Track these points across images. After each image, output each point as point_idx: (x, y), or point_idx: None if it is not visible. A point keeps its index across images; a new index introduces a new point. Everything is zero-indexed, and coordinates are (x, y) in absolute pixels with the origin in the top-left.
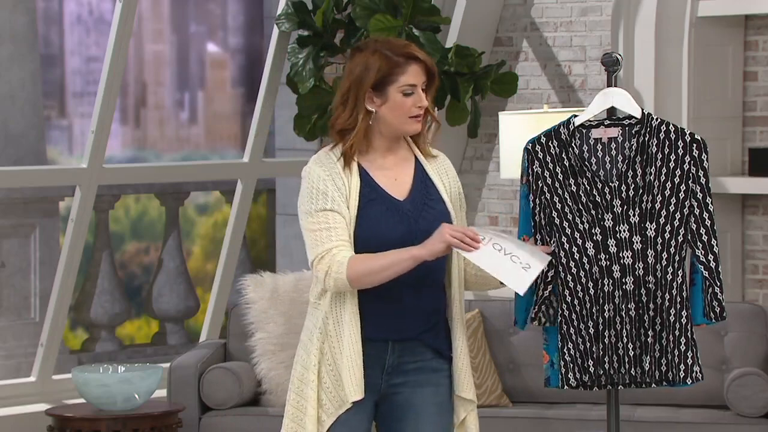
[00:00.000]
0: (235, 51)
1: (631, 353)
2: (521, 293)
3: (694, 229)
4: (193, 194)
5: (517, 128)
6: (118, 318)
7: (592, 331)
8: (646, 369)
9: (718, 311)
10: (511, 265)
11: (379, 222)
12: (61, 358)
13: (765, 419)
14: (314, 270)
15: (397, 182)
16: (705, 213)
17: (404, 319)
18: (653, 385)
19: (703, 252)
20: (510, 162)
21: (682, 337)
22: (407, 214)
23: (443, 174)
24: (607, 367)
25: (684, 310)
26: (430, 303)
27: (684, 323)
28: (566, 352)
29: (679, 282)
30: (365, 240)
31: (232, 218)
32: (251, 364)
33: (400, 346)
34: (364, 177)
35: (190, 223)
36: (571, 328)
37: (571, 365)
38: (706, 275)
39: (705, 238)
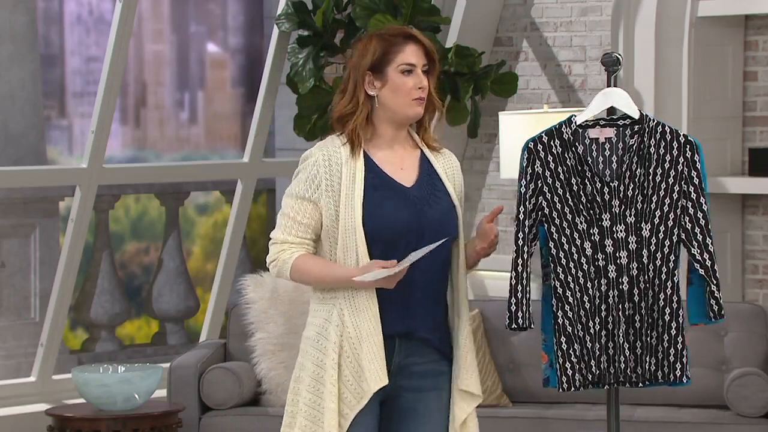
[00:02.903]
0: (235, 51)
1: (628, 353)
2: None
3: (690, 228)
4: (193, 194)
5: (517, 128)
6: (118, 318)
7: (591, 331)
8: (646, 369)
9: (716, 309)
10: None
11: (386, 207)
12: (61, 358)
13: (765, 419)
14: (269, 247)
15: (403, 171)
16: (699, 212)
17: (413, 318)
18: (641, 384)
19: (698, 251)
20: (510, 162)
21: (679, 336)
22: (414, 200)
23: (449, 170)
24: (603, 367)
25: (681, 310)
26: (437, 302)
27: (680, 322)
28: (572, 353)
29: (676, 281)
30: (372, 225)
31: (232, 218)
32: (251, 364)
33: (407, 345)
34: (369, 163)
35: (190, 223)
36: (575, 329)
37: (578, 366)
38: (702, 273)
39: (700, 237)
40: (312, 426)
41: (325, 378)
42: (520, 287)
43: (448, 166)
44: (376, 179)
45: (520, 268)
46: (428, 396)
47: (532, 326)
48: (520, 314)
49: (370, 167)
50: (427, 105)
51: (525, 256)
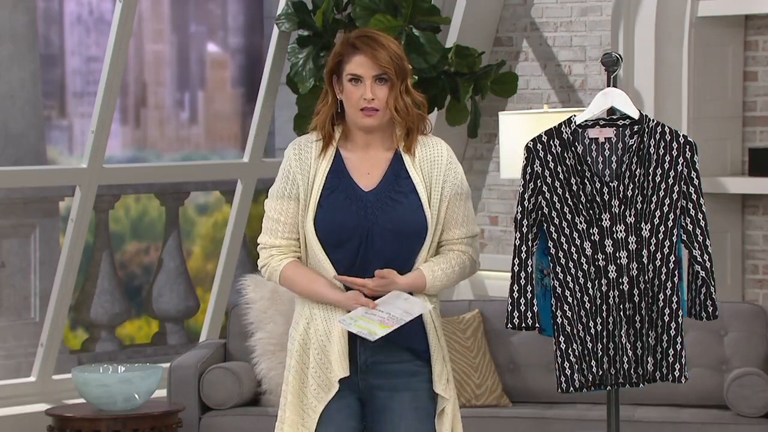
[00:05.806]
0: (235, 51)
1: (630, 353)
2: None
3: (690, 230)
4: (193, 194)
5: (517, 128)
6: (118, 318)
7: (592, 331)
8: (646, 369)
9: (710, 310)
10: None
11: (338, 210)
12: (61, 358)
13: (765, 419)
14: (259, 252)
15: (369, 175)
16: (699, 214)
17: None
18: (642, 384)
19: (699, 252)
20: (510, 162)
21: (678, 337)
22: (367, 205)
23: (425, 166)
24: (605, 368)
25: (680, 310)
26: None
27: (680, 323)
28: (571, 353)
29: (676, 282)
30: (323, 225)
31: (232, 218)
32: (251, 364)
33: (371, 345)
34: (337, 164)
35: (190, 223)
36: (575, 329)
37: (577, 366)
38: (703, 275)
39: (700, 238)
40: (282, 416)
41: (289, 368)
42: (516, 287)
43: (425, 162)
44: (336, 181)
45: (516, 268)
46: (401, 396)
47: (537, 326)
48: (516, 314)
49: (336, 167)
50: (404, 116)
51: (523, 256)
